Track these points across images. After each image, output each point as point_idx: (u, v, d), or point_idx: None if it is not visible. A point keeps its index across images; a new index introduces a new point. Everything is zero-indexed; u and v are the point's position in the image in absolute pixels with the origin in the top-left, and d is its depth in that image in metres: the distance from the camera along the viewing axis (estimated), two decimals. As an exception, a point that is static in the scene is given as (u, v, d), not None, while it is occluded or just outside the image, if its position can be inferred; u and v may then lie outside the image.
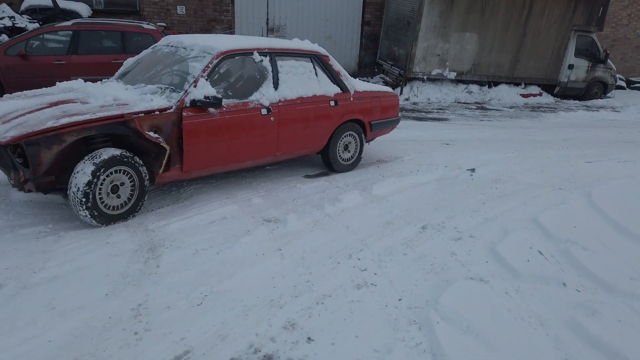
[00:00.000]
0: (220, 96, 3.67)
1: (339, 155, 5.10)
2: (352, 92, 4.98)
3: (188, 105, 3.60)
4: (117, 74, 4.49)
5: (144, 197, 3.60)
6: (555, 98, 12.54)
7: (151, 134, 3.41)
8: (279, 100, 4.26)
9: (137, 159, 3.48)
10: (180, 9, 11.80)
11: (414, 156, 6.05)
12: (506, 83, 12.05)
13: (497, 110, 10.60)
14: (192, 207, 3.89)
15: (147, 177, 3.56)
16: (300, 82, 4.47)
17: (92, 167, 3.21)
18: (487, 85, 11.97)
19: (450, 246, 3.45)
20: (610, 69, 12.80)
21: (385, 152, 6.17)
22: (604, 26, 12.47)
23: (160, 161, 3.53)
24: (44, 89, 4.13)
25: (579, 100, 12.64)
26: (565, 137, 7.89)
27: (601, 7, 11.93)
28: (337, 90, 4.84)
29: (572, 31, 11.95)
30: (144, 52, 4.60)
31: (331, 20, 12.94)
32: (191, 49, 4.09)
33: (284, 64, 4.38)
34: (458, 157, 6.10)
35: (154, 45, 4.64)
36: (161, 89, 3.77)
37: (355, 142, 5.21)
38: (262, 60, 4.21)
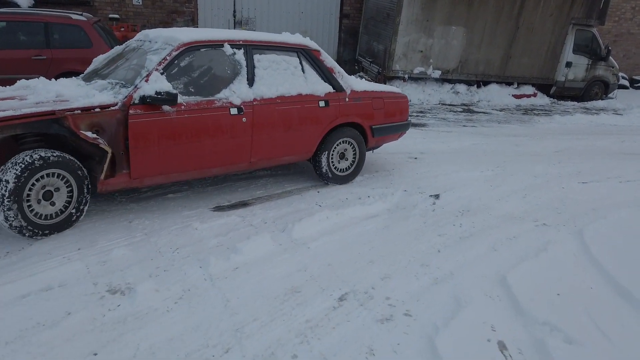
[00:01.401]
0: (175, 92, 3.24)
1: (333, 165, 4.46)
2: (348, 91, 4.37)
3: (137, 102, 3.21)
4: (85, 72, 4.07)
5: (84, 205, 3.21)
6: (551, 99, 11.38)
7: (88, 133, 3.03)
8: (254, 99, 3.77)
9: (75, 161, 3.09)
10: (137, 0, 10.65)
11: (369, 176, 4.94)
12: (497, 82, 10.90)
13: (484, 113, 9.46)
14: (20, 264, 2.77)
15: (89, 183, 3.20)
16: (281, 79, 3.98)
17: (15, 171, 2.85)
18: (475, 85, 10.83)
19: (371, 335, 2.34)
20: (612, 67, 11.63)
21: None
22: (606, 20, 11.29)
23: (102, 165, 3.13)
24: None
25: (578, 102, 11.48)
26: (558, 147, 6.75)
27: (603, -2, 10.75)
28: (329, 89, 4.26)
29: (570, 25, 10.78)
30: (115, 49, 4.22)
31: (306, 12, 11.79)
32: (155, 41, 3.73)
33: (262, 59, 3.90)
34: (424, 177, 4.98)
35: (128, 41, 4.18)
36: (112, 84, 3.46)
37: (353, 150, 4.53)
38: (234, 54, 3.76)
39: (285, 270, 2.89)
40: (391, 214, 3.98)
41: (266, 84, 3.88)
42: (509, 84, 11.03)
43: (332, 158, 4.44)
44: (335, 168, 4.49)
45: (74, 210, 3.18)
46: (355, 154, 4.59)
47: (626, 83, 14.16)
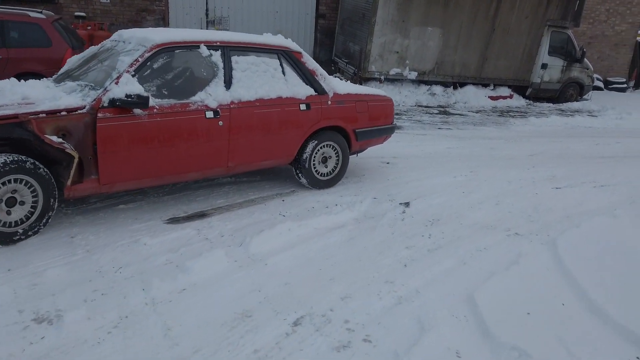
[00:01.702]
0: (146, 94, 3.15)
1: (315, 169, 4.34)
2: (330, 94, 4.28)
3: (106, 105, 3.10)
4: (57, 74, 3.92)
5: (50, 212, 3.09)
6: (527, 100, 11.37)
7: (53, 138, 2.91)
8: (231, 102, 3.66)
9: (40, 166, 2.96)
10: (104, -3, 10.26)
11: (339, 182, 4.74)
12: (473, 84, 10.83)
13: (460, 115, 9.36)
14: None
15: (56, 188, 3.07)
16: (261, 81, 3.88)
17: None
18: (452, 87, 10.73)
19: (325, 366, 2.13)
20: (587, 69, 11.70)
21: (304, 177, 4.84)
22: (581, 21, 11.33)
23: (69, 171, 3.01)
24: None
25: (553, 103, 11.50)
26: (533, 150, 6.66)
27: (577, 0, 10.77)
28: (311, 92, 4.17)
29: (545, 27, 10.79)
30: (90, 49, 4.05)
31: (281, 12, 11.54)
32: (129, 42, 3.61)
33: (240, 60, 3.80)
34: (395, 183, 4.80)
35: (104, 42, 4.04)
36: (81, 86, 3.34)
37: (336, 154, 4.44)
38: (211, 55, 3.65)
39: (237, 291, 2.66)
40: (358, 224, 3.78)
41: (244, 86, 3.77)
42: (486, 85, 10.97)
43: (314, 162, 4.32)
44: (317, 172, 4.37)
45: (38, 217, 3.04)
46: (338, 158, 4.48)
47: (601, 84, 14.29)
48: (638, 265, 3.23)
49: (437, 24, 9.95)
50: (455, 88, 10.76)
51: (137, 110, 3.19)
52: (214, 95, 3.59)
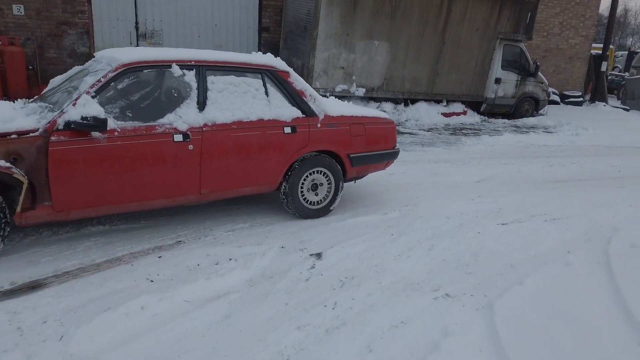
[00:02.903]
0: (104, 117, 3.02)
1: (303, 197, 4.05)
2: (320, 116, 4.02)
3: (61, 127, 2.99)
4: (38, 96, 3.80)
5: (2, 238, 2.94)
6: (482, 117, 10.88)
7: (1, 162, 2.78)
8: (204, 125, 3.47)
9: None
10: (18, 9, 9.22)
11: (243, 225, 3.91)
12: (425, 100, 10.26)
13: (410, 134, 8.72)
14: None
15: (8, 214, 2.93)
16: (240, 102, 3.67)
17: None
18: (403, 103, 10.13)
19: None
20: (542, 83, 11.33)
21: (202, 218, 3.99)
22: (533, 34, 10.97)
23: (19, 197, 2.89)
24: None
25: (509, 119, 11.05)
26: (481, 175, 6.01)
27: (529, 12, 10.41)
28: (298, 114, 3.92)
29: (497, 40, 10.35)
30: (74, 69, 3.85)
31: (220, 25, 10.74)
32: (100, 61, 3.51)
33: (217, 80, 3.60)
34: (312, 224, 4.01)
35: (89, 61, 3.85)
36: (42, 108, 3.27)
37: (328, 181, 4.14)
38: (183, 75, 3.48)
39: None
40: (250, 288, 2.95)
41: (220, 108, 3.56)
42: (438, 101, 10.42)
43: (302, 190, 4.00)
44: (306, 200, 4.07)
45: None
46: (330, 186, 4.13)
47: (557, 98, 14.04)
48: (588, 336, 2.51)
49: (384, 37, 9.35)
50: (406, 105, 10.16)
51: (96, 134, 3.05)
52: (184, 117, 3.40)
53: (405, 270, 3.31)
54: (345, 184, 4.43)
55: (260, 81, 3.82)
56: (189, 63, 3.51)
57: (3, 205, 2.91)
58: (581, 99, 14.48)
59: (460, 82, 10.34)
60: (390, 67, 9.61)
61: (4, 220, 2.94)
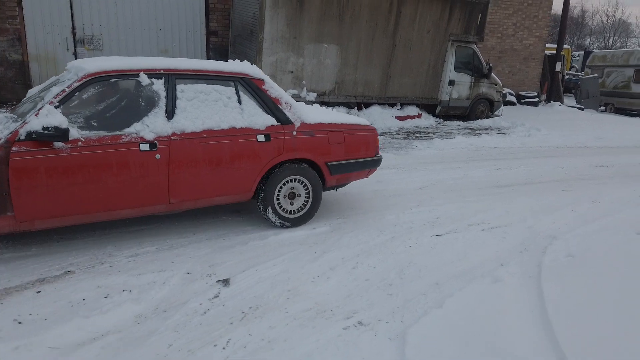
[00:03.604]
0: (65, 127, 2.97)
1: (279, 206, 3.98)
2: (297, 124, 3.96)
3: (23, 138, 2.95)
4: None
5: None
6: (437, 119, 10.76)
7: None
8: (172, 134, 3.44)
9: None
10: (-61, 15, 8.59)
11: (149, 249, 3.53)
12: (379, 104, 10.06)
13: (361, 139, 8.44)
14: None
15: None
16: (211, 111, 3.62)
17: None
18: (356, 107, 9.89)
19: None
20: (496, 84, 11.30)
21: (105, 241, 3.59)
22: (485, 36, 10.92)
23: None
24: None
25: (464, 121, 10.96)
26: (425, 181, 5.79)
27: (479, 13, 10.34)
28: (272, 121, 3.86)
29: (449, 42, 10.24)
30: (51, 79, 3.76)
31: (165, 29, 10.29)
32: (69, 71, 3.44)
33: (187, 89, 3.57)
34: (229, 244, 3.67)
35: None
36: (7, 118, 3.24)
37: (306, 190, 4.08)
38: (151, 84, 3.45)
39: None
40: (135, 327, 2.58)
41: (190, 117, 3.53)
42: (392, 105, 10.24)
43: (278, 198, 3.94)
44: (282, 209, 4.00)
45: None
46: (308, 194, 4.06)
47: (513, 99, 14.10)
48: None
49: (333, 40, 9.09)
50: (360, 109, 9.93)
51: (58, 144, 3.04)
52: (151, 126, 3.37)
53: (321, 294, 3.00)
54: (327, 192, 4.29)
55: (233, 89, 3.78)
56: (157, 72, 3.49)
57: None
58: (537, 99, 14.60)
59: (413, 84, 10.18)
60: (342, 71, 9.37)
61: None
